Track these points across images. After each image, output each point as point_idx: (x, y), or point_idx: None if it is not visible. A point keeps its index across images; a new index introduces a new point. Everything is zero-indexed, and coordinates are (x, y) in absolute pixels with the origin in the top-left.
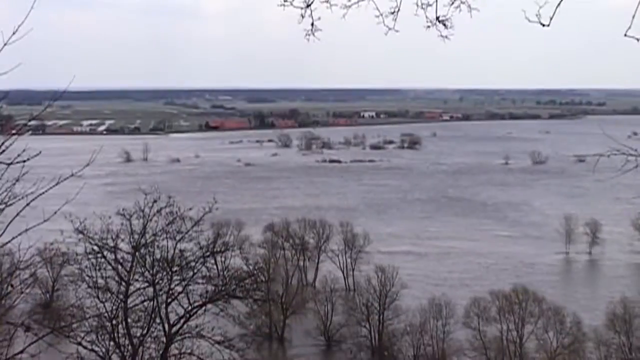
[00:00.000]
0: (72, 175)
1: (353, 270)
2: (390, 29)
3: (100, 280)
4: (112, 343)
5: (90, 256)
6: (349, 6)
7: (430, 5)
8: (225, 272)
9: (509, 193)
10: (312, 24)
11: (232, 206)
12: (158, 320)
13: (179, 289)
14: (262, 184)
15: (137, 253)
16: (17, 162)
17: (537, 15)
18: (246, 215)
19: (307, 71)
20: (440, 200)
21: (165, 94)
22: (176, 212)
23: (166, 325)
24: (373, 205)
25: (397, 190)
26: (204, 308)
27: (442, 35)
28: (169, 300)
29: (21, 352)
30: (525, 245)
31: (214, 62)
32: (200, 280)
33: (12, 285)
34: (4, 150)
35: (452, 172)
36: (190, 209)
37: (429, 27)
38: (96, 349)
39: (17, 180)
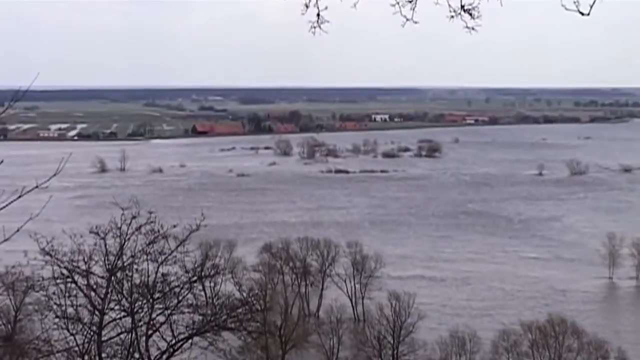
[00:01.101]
0: (36, 187)
1: (362, 297)
2: (407, 19)
3: (70, 309)
4: None
5: (58, 281)
6: None
7: None
8: (215, 300)
9: (540, 208)
10: (318, 15)
11: (222, 222)
12: (137, 356)
13: (162, 319)
14: (257, 197)
15: (113, 278)
16: None
17: (575, 2)
18: (238, 233)
19: (311, 68)
20: (459, 216)
21: (145, 94)
22: (158, 230)
23: None
24: (381, 222)
25: (410, 204)
26: (190, 341)
27: (467, 27)
28: (150, 332)
29: None
30: (558, 269)
31: (202, 57)
32: (185, 309)
33: None
34: None
35: (474, 183)
36: (175, 226)
37: (452, 17)
38: None
39: None
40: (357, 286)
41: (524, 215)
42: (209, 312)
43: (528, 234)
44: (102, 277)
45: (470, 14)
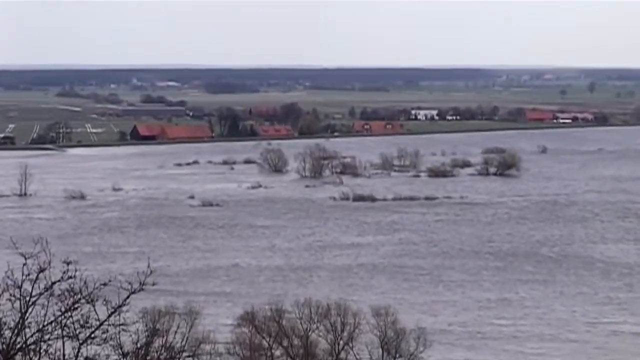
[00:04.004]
0: None
1: None
2: None
3: None
4: None
5: None
6: None
7: None
8: None
9: None
10: None
11: (178, 275)
12: None
13: None
14: (231, 239)
15: None
16: None
17: None
18: (204, 291)
19: (315, 39)
20: (525, 265)
21: (59, 78)
22: (80, 290)
23: None
24: (415, 273)
25: (458, 245)
26: None
27: None
28: None
29: None
30: None
31: (147, 22)
32: None
33: None
34: None
35: (562, 214)
36: (105, 284)
37: None
38: None
39: None
40: None
41: (635, 265)
42: None
43: (634, 296)
44: None
45: None
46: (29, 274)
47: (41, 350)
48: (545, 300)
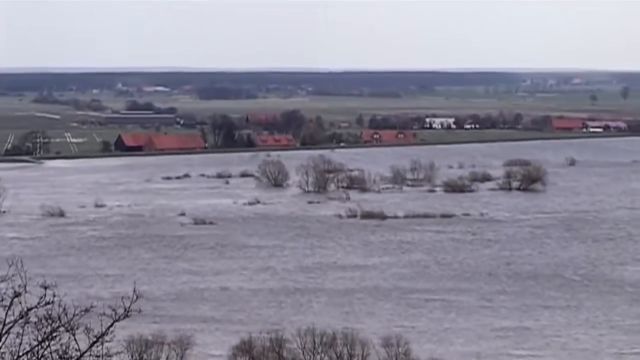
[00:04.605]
0: None
1: None
2: None
3: None
4: None
5: None
6: None
7: None
8: None
9: None
10: None
11: (165, 300)
12: None
13: None
14: (224, 260)
15: None
16: None
17: None
18: (195, 318)
19: (319, 39)
20: (546, 291)
21: (36, 82)
22: (59, 317)
23: None
24: (425, 299)
25: (473, 269)
26: None
27: None
28: None
29: None
30: None
31: (133, 19)
32: None
33: None
34: None
35: (591, 233)
36: (86, 310)
37: None
38: None
39: None
40: None
41: None
42: None
43: None
44: None
45: None
46: (2, 300)
47: None
48: (568, 328)
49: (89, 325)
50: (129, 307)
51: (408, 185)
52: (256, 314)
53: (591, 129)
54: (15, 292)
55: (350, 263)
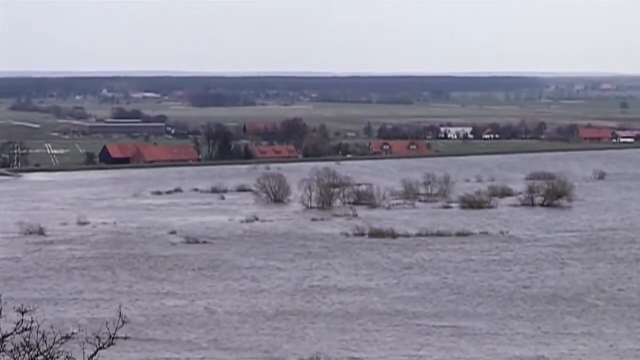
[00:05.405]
0: None
1: None
2: None
3: None
4: None
5: None
6: None
7: None
8: None
9: None
10: None
11: (155, 325)
12: None
13: None
14: (220, 281)
15: None
16: None
17: None
18: (187, 345)
19: (322, 40)
20: (566, 315)
21: (12, 88)
22: (37, 345)
23: None
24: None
25: (481, 287)
26: None
27: None
28: None
29: None
30: None
31: (118, 22)
32: None
33: None
34: None
35: (619, 253)
36: (68, 337)
37: None
38: None
39: None
40: None
41: None
42: None
43: None
44: None
45: None
46: None
47: None
48: (590, 357)
49: (69, 354)
50: (114, 334)
51: (421, 200)
52: (246, 340)
53: (622, 139)
54: None
55: (353, 285)
